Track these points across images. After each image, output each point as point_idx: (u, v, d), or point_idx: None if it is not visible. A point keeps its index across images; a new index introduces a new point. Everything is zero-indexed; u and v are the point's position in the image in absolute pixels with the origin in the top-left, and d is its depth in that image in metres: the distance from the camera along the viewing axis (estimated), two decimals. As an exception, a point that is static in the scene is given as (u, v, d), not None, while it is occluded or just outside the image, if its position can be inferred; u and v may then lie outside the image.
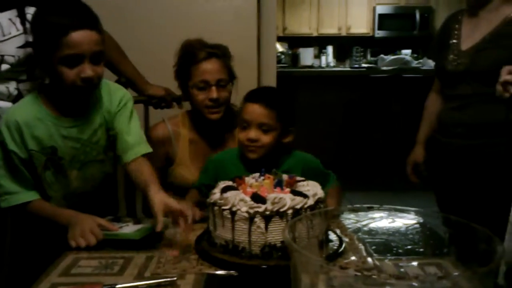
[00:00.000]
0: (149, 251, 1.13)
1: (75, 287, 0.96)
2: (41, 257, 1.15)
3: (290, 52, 5.75)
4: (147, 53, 2.20)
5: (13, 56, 1.40)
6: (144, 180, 1.27)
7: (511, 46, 1.54)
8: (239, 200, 1.04)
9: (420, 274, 0.88)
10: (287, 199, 1.02)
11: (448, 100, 1.73)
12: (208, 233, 1.12)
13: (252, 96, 1.43)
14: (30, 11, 1.42)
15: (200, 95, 1.56)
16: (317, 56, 5.94)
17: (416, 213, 0.80)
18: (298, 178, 1.19)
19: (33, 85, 1.45)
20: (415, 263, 0.88)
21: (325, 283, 0.62)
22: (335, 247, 1.06)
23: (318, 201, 1.07)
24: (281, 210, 1.01)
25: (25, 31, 1.41)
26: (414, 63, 5.37)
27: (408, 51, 5.87)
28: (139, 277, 1.00)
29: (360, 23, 5.85)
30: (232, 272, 1.01)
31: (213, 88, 1.54)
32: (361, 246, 0.93)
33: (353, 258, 1.00)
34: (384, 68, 5.18)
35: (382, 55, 5.58)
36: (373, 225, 0.85)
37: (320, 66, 5.83)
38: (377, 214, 0.83)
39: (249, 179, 1.18)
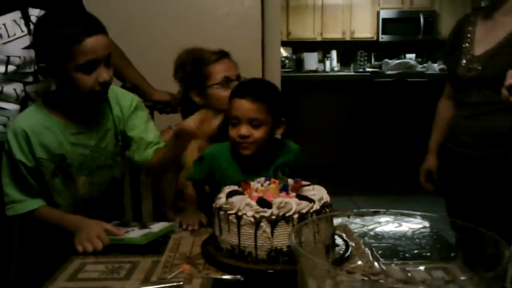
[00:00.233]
0: (156, 255, 1.13)
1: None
2: (47, 262, 1.15)
3: (294, 56, 5.75)
4: (152, 59, 2.21)
5: (19, 57, 1.41)
6: (167, 147, 1.35)
7: None
8: (245, 204, 1.04)
9: (427, 279, 0.87)
10: (293, 204, 1.02)
11: (459, 107, 1.67)
12: (214, 238, 1.13)
13: (239, 91, 1.39)
14: (34, 12, 1.43)
15: (222, 93, 1.57)
16: (321, 61, 5.94)
17: (423, 217, 0.80)
18: (304, 182, 1.19)
19: (40, 87, 1.46)
20: (422, 268, 0.87)
21: (331, 287, 0.62)
22: (342, 252, 1.05)
23: (324, 206, 1.06)
24: (287, 214, 1.01)
25: (29, 32, 1.42)
26: (419, 67, 5.36)
27: (412, 55, 5.87)
28: (146, 281, 1.00)
29: (364, 28, 5.85)
30: (238, 276, 1.01)
31: (235, 83, 1.57)
32: (368, 251, 0.93)
33: (359, 262, 1.00)
34: (389, 72, 5.18)
35: (386, 60, 5.58)
36: (379, 229, 0.85)
37: (324, 71, 5.83)
38: (383, 219, 0.83)
39: (255, 184, 1.18)
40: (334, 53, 5.93)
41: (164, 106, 1.85)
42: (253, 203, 1.04)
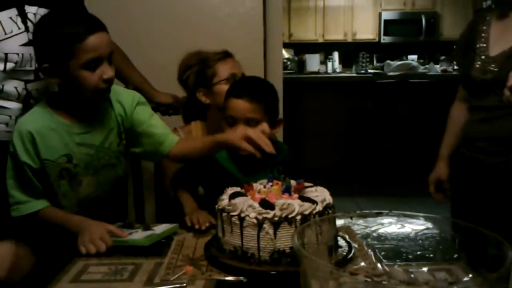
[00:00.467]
0: (159, 257, 1.13)
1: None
2: (51, 263, 1.16)
3: (296, 58, 5.76)
4: (154, 60, 2.22)
5: (17, 54, 1.40)
6: (202, 142, 1.36)
7: None
8: (247, 206, 1.04)
9: (430, 280, 0.87)
10: (296, 205, 1.02)
11: (473, 111, 1.58)
12: (217, 239, 1.13)
13: (235, 91, 1.38)
14: (30, 10, 1.43)
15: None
16: (323, 62, 5.95)
17: (426, 218, 0.80)
18: (307, 184, 1.19)
19: (42, 84, 1.46)
20: (425, 269, 0.87)
21: (335, 289, 0.62)
22: (345, 253, 1.06)
23: (327, 207, 1.06)
24: (290, 216, 1.01)
25: (26, 29, 1.41)
26: (421, 69, 5.36)
27: (414, 57, 5.87)
28: (149, 283, 1.01)
29: (365, 29, 5.85)
30: (241, 278, 1.01)
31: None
32: (371, 252, 0.93)
33: (362, 264, 1.00)
34: (391, 73, 5.18)
35: (388, 61, 5.58)
36: (382, 230, 0.85)
37: (326, 72, 5.83)
38: (386, 220, 0.83)
39: (257, 185, 1.18)
40: (336, 55, 5.93)
41: (166, 108, 1.85)
42: (256, 204, 1.04)
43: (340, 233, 1.11)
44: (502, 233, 0.67)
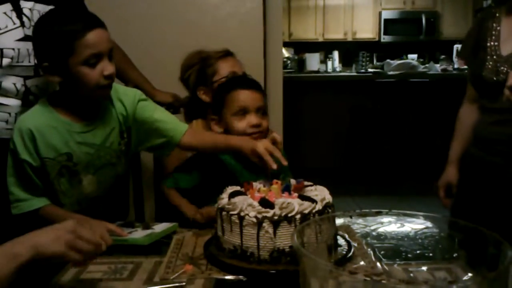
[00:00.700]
0: (158, 256, 1.13)
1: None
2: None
3: (296, 57, 5.76)
4: (154, 60, 2.22)
5: (12, 49, 1.40)
6: (214, 139, 1.39)
7: None
8: (247, 205, 1.04)
9: (429, 279, 0.87)
10: (295, 204, 1.02)
11: (486, 112, 1.51)
12: (216, 238, 1.13)
13: (241, 83, 1.43)
14: (26, 5, 1.42)
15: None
16: (323, 61, 5.95)
17: (425, 217, 0.80)
18: (306, 183, 1.19)
19: (41, 81, 1.45)
20: (424, 268, 0.88)
21: None
22: (344, 252, 1.06)
23: (327, 206, 1.06)
24: (289, 215, 1.01)
25: (22, 25, 1.41)
26: (421, 68, 5.36)
27: (414, 56, 5.87)
28: (149, 282, 1.01)
29: (366, 28, 5.86)
30: (241, 277, 1.01)
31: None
32: (370, 251, 0.93)
33: (362, 263, 1.00)
34: (391, 73, 5.18)
35: (388, 60, 5.58)
36: (382, 229, 0.86)
37: (326, 71, 5.83)
38: (385, 219, 0.83)
39: (257, 184, 1.18)
40: (336, 54, 5.93)
41: (166, 107, 1.85)
42: (256, 203, 1.04)
43: (340, 232, 1.12)
44: (506, 233, 0.67)
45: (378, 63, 5.90)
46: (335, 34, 5.83)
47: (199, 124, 1.69)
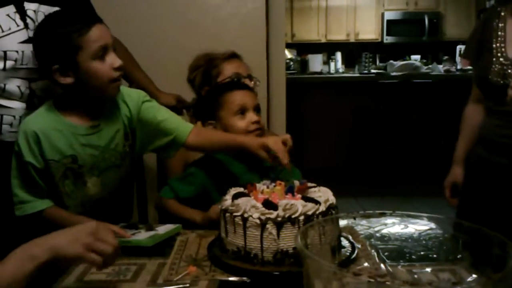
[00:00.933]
0: (162, 257, 1.13)
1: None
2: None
3: (299, 58, 5.76)
4: (155, 60, 2.22)
5: (16, 51, 1.39)
6: (220, 137, 1.40)
7: None
8: (250, 206, 1.04)
9: (434, 281, 0.87)
10: (299, 206, 1.02)
11: (492, 115, 1.49)
12: (220, 240, 1.13)
13: (236, 84, 1.51)
14: (30, 7, 1.42)
15: None
16: (326, 63, 5.95)
17: (429, 218, 0.80)
18: (310, 184, 1.19)
19: (46, 83, 1.45)
20: (428, 269, 0.87)
21: (338, 289, 0.62)
22: (348, 254, 1.05)
23: (330, 207, 1.06)
24: (293, 216, 1.01)
25: (26, 26, 1.41)
26: (424, 69, 5.36)
27: (417, 57, 5.86)
28: (152, 283, 1.01)
29: (368, 29, 5.85)
30: (244, 278, 1.01)
31: (246, 80, 1.64)
32: (374, 252, 0.93)
33: (366, 264, 1.00)
34: (394, 73, 5.17)
35: (391, 61, 5.58)
36: (385, 231, 0.85)
37: (329, 72, 5.83)
38: (389, 220, 0.83)
39: (260, 186, 1.18)
40: (338, 55, 5.93)
41: (170, 109, 1.85)
42: (259, 205, 1.04)
43: (344, 234, 1.11)
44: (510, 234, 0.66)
45: (381, 64, 5.90)
46: (338, 35, 5.83)
47: (199, 125, 1.69)
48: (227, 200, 1.10)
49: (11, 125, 1.43)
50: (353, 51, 6.01)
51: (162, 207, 1.48)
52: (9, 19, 1.40)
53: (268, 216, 1.01)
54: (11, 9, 1.41)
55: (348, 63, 6.04)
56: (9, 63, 1.40)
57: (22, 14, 1.42)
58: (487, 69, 1.44)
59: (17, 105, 1.43)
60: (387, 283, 0.68)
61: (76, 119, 1.32)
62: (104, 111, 1.36)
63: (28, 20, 1.42)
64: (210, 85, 1.67)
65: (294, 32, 5.75)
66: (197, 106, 1.76)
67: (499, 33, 1.44)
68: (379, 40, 5.88)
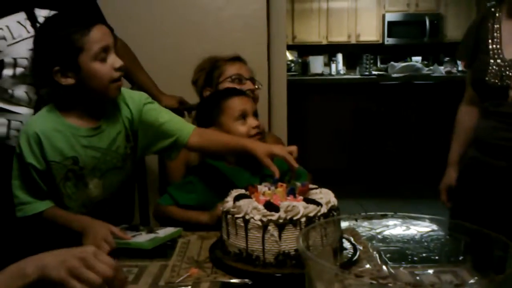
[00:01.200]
0: (163, 259, 1.13)
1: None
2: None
3: (300, 60, 5.76)
4: (156, 61, 2.23)
5: (26, 58, 1.39)
6: (223, 139, 1.40)
7: None
8: (252, 208, 1.04)
9: (436, 282, 0.87)
10: (300, 207, 1.02)
11: (488, 116, 1.47)
12: (221, 242, 1.13)
13: (234, 91, 1.53)
14: (41, 13, 1.41)
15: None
16: (327, 64, 5.94)
17: (431, 220, 0.80)
18: (311, 186, 1.19)
19: (54, 89, 1.45)
20: (430, 271, 0.87)
21: (340, 291, 0.62)
22: (350, 255, 1.05)
23: (332, 209, 1.06)
24: (295, 218, 1.01)
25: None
26: (425, 70, 5.35)
27: (418, 58, 5.86)
28: (154, 285, 1.01)
29: (369, 31, 5.85)
30: (246, 280, 1.01)
31: (248, 81, 1.67)
32: (376, 254, 0.93)
33: (367, 266, 1.00)
34: (395, 75, 5.17)
35: (392, 63, 5.57)
36: (387, 232, 0.85)
37: (330, 74, 5.83)
38: (391, 222, 0.83)
39: (262, 187, 1.18)
40: (339, 57, 5.93)
41: (172, 111, 1.85)
42: (261, 206, 1.04)
43: (345, 235, 1.11)
44: (510, 236, 0.66)
45: (382, 66, 5.89)
46: (339, 37, 5.83)
47: (200, 128, 1.70)
48: (229, 202, 1.11)
49: (18, 130, 1.43)
50: (354, 52, 6.01)
51: (162, 214, 1.47)
52: (20, 26, 1.39)
53: (269, 218, 1.01)
54: (22, 16, 1.40)
55: (349, 64, 6.03)
56: (19, 70, 1.39)
57: (33, 20, 1.41)
58: (484, 71, 1.43)
59: (25, 111, 1.43)
60: (389, 285, 0.68)
61: (77, 121, 1.33)
62: (105, 112, 1.36)
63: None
64: (211, 86, 1.68)
65: (295, 33, 5.75)
66: (199, 110, 1.76)
67: (495, 34, 1.43)
68: (380, 41, 5.88)
